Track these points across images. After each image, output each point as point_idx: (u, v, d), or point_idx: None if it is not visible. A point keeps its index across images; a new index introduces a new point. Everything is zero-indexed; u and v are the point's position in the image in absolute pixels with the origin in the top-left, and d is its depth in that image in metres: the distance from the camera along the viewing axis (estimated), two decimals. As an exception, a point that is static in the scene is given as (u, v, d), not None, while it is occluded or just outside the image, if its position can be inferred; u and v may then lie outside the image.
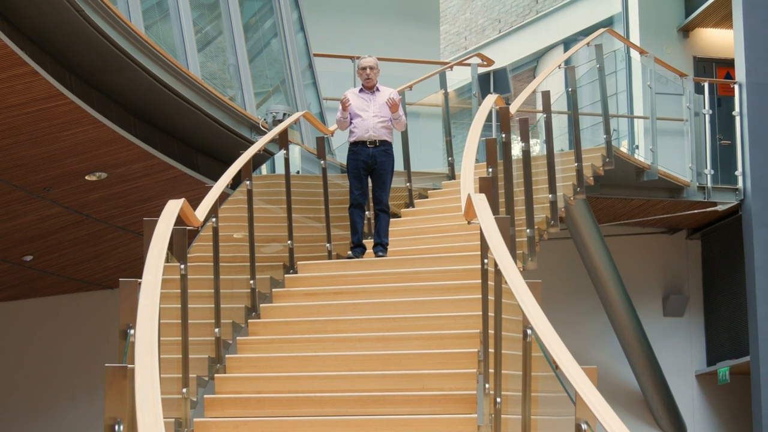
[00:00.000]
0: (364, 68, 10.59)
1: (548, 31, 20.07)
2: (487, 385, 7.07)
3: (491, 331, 6.81)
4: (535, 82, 11.67)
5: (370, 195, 10.69)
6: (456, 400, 7.62)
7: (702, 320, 16.26)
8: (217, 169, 10.93)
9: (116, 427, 4.96)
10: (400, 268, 9.82)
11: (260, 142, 10.09)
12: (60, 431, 14.86)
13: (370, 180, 10.59)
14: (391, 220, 11.58)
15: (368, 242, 10.70)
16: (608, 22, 17.87)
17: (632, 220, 15.85)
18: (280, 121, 11.65)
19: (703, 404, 16.03)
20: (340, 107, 10.58)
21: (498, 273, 6.42)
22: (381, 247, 10.40)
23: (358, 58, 14.25)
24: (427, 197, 12.45)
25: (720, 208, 15.16)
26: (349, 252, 10.51)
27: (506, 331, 6.52)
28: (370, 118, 10.50)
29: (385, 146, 10.53)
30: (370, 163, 10.47)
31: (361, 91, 10.64)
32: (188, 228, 7.61)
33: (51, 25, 9.49)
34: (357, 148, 10.51)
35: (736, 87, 15.21)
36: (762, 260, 14.50)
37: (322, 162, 10.90)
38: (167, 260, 6.54)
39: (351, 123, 10.57)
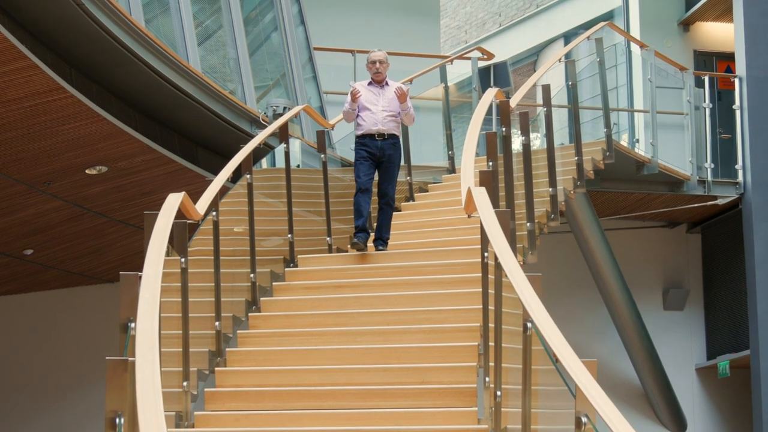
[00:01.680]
0: (374, 62, 10.47)
1: (548, 24, 20.07)
2: (487, 379, 7.07)
3: (491, 325, 6.82)
4: (536, 76, 11.66)
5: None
6: (456, 394, 7.63)
7: (702, 314, 16.27)
8: (218, 163, 10.93)
9: (117, 420, 4.96)
10: (400, 261, 9.82)
11: (260, 136, 10.09)
12: (61, 424, 14.88)
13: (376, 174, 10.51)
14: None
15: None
16: (608, 16, 17.86)
17: (632, 213, 15.85)
18: (281, 115, 11.65)
19: (703, 398, 16.04)
20: (349, 98, 10.44)
21: (498, 266, 6.43)
22: (381, 241, 10.30)
23: (358, 51, 14.29)
24: (427, 191, 12.45)
25: (720, 201, 15.16)
26: (354, 239, 10.20)
27: (506, 324, 6.53)
28: (379, 111, 10.38)
29: (393, 139, 10.43)
30: (379, 155, 10.33)
31: (370, 84, 10.50)
32: (189, 222, 7.61)
33: (51, 18, 9.49)
34: (365, 140, 10.36)
35: (737, 81, 15.21)
36: (762, 254, 14.50)
37: (322, 156, 10.89)
38: (168, 254, 6.55)
39: (358, 116, 10.43)
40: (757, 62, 15.01)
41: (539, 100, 11.73)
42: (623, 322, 15.00)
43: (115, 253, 13.68)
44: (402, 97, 10.32)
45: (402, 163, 12.37)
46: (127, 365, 4.99)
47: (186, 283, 7.53)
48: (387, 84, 10.51)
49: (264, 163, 10.54)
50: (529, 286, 5.70)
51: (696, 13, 16.97)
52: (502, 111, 9.48)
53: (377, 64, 10.45)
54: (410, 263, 9.74)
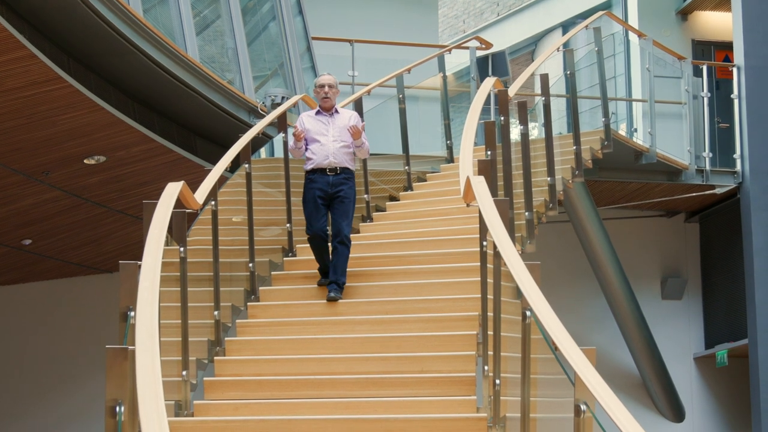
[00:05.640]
0: (323, 86, 9.47)
1: (547, 14, 20.05)
2: (486, 367, 7.08)
3: (490, 314, 6.83)
4: (534, 65, 11.66)
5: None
6: (455, 382, 7.64)
7: (700, 303, 16.28)
8: (216, 153, 10.94)
9: (117, 409, 4.97)
10: (399, 251, 9.83)
11: (259, 126, 10.08)
12: (60, 414, 14.89)
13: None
14: (390, 203, 11.59)
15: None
16: (607, 5, 17.85)
17: (631, 203, 15.86)
18: (279, 105, 11.65)
19: (702, 387, 16.05)
20: (292, 139, 9.52)
21: (497, 255, 6.43)
22: (336, 285, 9.13)
23: (356, 41, 14.28)
24: (425, 180, 12.46)
25: (718, 191, 15.16)
26: (321, 279, 9.39)
27: (505, 313, 6.54)
28: (330, 143, 9.39)
29: (347, 174, 9.41)
30: (331, 193, 9.34)
31: (317, 113, 9.55)
32: (187, 211, 7.61)
33: (50, 8, 9.48)
34: (315, 176, 9.39)
35: (735, 70, 15.20)
36: (760, 243, 14.51)
37: (320, 145, 10.85)
38: (167, 243, 6.55)
39: (307, 149, 9.46)
40: (756, 51, 15.00)
41: (537, 89, 11.74)
42: (621, 312, 15.01)
43: (113, 243, 13.68)
44: (356, 135, 9.36)
45: (400, 152, 12.40)
46: (127, 353, 5.00)
47: (185, 272, 7.53)
48: (337, 111, 9.56)
49: (262, 152, 10.54)
50: (529, 275, 5.71)
51: (694, 3, 16.95)
52: (501, 100, 9.48)
53: (326, 88, 9.46)
54: (408, 252, 9.74)
